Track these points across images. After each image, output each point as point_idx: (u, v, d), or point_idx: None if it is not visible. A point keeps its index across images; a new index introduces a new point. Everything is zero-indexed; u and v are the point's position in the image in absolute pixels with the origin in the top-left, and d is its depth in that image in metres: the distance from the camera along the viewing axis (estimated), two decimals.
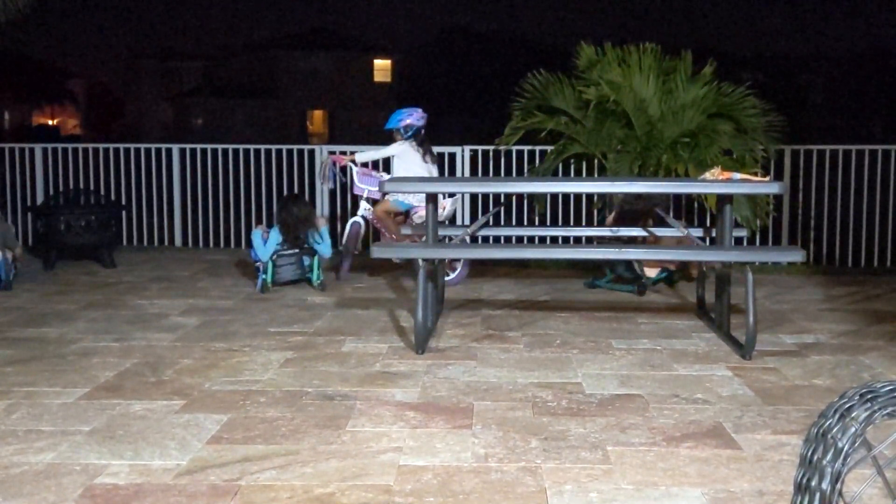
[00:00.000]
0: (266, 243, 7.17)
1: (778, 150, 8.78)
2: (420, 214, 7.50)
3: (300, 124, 53.06)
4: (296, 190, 9.56)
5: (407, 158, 7.66)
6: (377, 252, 5.34)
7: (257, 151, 10.02)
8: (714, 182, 5.63)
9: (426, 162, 7.71)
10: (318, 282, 7.18)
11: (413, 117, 7.76)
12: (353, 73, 54.41)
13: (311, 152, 9.83)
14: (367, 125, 46.76)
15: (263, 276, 7.10)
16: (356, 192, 7.86)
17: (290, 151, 9.89)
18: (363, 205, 7.82)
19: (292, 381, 4.47)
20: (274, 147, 10.02)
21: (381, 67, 56.51)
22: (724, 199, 5.71)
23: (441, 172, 9.44)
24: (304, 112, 54.17)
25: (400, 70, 56.63)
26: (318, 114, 54.94)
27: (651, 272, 7.25)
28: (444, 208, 7.50)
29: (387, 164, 8.32)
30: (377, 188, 7.60)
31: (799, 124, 15.65)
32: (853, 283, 7.75)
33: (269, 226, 7.57)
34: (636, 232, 7.01)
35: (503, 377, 4.54)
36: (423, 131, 7.82)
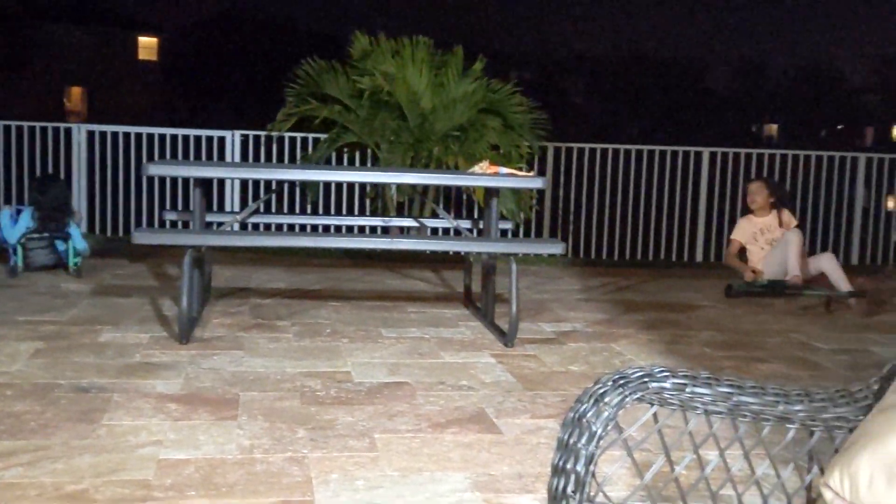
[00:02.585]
0: (15, 225, 6.73)
1: (541, 147, 9.15)
2: None
3: (57, 101, 50.13)
4: (51, 170, 9.03)
5: None
6: (139, 237, 5.12)
7: (7, 128, 9.35)
8: (482, 175, 5.78)
9: None
10: (75, 268, 6.81)
11: None
12: (116, 50, 51.97)
13: (69, 131, 9.30)
14: (131, 104, 44.88)
15: (14, 260, 6.65)
16: None
17: (44, 129, 9.30)
18: None
19: (43, 372, 4.21)
20: (26, 124, 9.39)
21: (147, 45, 54.24)
22: (491, 193, 5.88)
23: (210, 157, 9.21)
24: (61, 88, 51.21)
25: (167, 49, 54.64)
26: (76, 90, 52.11)
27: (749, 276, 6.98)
28: None
29: None
30: None
31: (561, 122, 16.37)
32: (607, 274, 8.20)
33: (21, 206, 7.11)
34: (408, 222, 7.10)
35: (271, 367, 4.48)
36: None
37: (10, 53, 48.58)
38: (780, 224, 7.12)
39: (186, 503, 2.81)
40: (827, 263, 6.79)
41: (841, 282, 6.61)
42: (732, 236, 7.27)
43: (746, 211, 7.31)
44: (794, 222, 7.26)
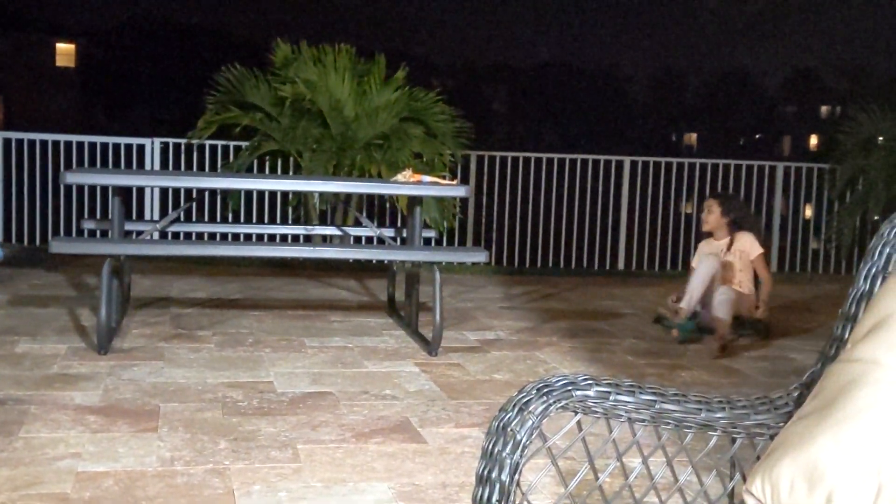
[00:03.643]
0: None
1: (464, 155, 9.18)
2: None
3: None
4: None
5: None
6: (57, 247, 5.00)
7: None
8: (405, 184, 5.78)
9: None
10: None
11: None
12: (33, 56, 50.76)
13: None
14: (49, 111, 43.83)
15: None
16: None
17: None
18: None
19: None
20: None
21: (64, 52, 53.08)
22: (414, 201, 5.88)
23: (129, 165, 9.04)
24: None
25: (85, 55, 53.56)
26: None
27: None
28: None
29: None
30: None
31: (483, 131, 16.49)
32: (530, 282, 8.26)
33: None
34: (331, 231, 7.07)
35: (192, 377, 4.41)
36: None
37: None
38: (728, 249, 6.00)
39: None
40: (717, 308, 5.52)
41: (721, 324, 5.47)
42: (692, 263, 6.17)
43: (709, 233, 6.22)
44: (759, 250, 5.97)
